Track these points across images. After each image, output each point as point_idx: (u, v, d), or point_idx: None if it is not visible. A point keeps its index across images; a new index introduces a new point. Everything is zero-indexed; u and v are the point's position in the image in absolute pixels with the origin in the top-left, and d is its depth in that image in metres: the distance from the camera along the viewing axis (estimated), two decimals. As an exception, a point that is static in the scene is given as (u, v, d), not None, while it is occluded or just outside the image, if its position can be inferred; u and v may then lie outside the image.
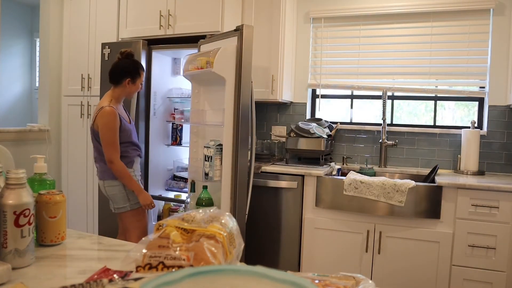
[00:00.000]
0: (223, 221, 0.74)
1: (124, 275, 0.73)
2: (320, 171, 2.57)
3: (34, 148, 3.41)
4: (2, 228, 0.82)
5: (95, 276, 0.76)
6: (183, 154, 3.25)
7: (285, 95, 3.10)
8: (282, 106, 3.36)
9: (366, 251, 2.48)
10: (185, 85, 3.05)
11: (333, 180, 2.53)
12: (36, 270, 0.84)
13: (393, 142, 2.97)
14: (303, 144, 2.79)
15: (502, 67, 2.79)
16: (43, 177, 1.05)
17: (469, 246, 2.28)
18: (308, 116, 3.33)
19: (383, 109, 2.92)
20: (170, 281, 0.46)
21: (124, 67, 2.31)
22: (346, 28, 3.17)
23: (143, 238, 0.71)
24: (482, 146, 2.82)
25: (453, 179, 2.39)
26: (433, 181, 2.49)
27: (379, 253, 2.46)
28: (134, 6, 3.07)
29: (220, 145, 2.29)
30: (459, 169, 2.78)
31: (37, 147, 3.44)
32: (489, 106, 2.84)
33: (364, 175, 2.65)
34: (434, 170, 2.70)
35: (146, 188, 2.93)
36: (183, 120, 2.71)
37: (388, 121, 3.13)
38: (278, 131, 3.33)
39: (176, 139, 3.15)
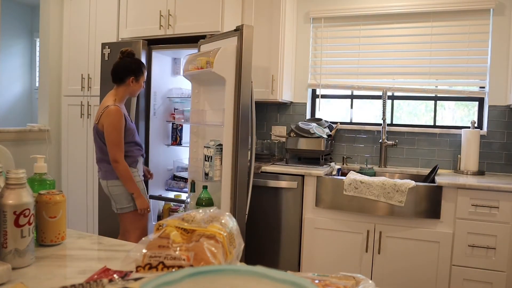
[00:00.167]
0: (223, 221, 0.74)
1: (124, 275, 0.73)
2: (320, 171, 2.57)
3: (34, 148, 3.41)
4: (2, 228, 0.82)
5: (95, 276, 0.76)
6: (183, 154, 3.25)
7: (285, 95, 3.10)
8: (282, 106, 3.36)
9: (366, 251, 2.48)
10: (185, 85, 3.05)
11: (333, 180, 2.53)
12: (36, 270, 0.84)
13: (393, 142, 2.97)
14: (303, 144, 2.79)
15: (502, 67, 2.79)
16: (43, 177, 1.05)
17: (469, 246, 2.28)
18: (308, 116, 3.33)
19: (383, 109, 2.92)
20: (170, 281, 0.46)
21: (127, 66, 2.31)
22: (346, 28, 3.17)
23: (143, 238, 0.71)
24: (482, 146, 2.82)
25: (453, 179, 2.39)
26: (433, 181, 2.49)
27: (379, 253, 2.46)
28: (134, 6, 3.07)
29: (220, 145, 2.29)
30: (459, 169, 2.78)
31: (37, 147, 3.44)
32: (489, 106, 2.84)
33: (364, 175, 2.65)
34: (434, 170, 2.70)
35: (146, 188, 2.93)
36: (183, 120, 2.71)
37: (388, 121, 3.13)
38: (278, 131, 3.33)
39: (176, 139, 3.15)
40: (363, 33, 3.13)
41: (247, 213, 2.40)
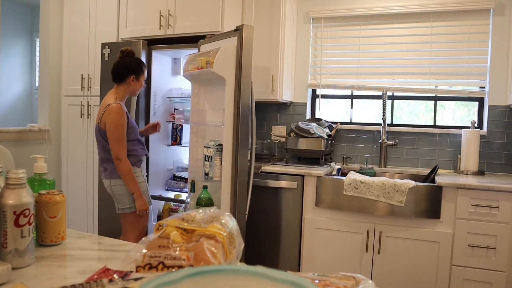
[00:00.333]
0: (223, 221, 0.74)
1: (124, 275, 0.73)
2: (320, 171, 2.57)
3: (34, 148, 3.41)
4: (2, 228, 0.82)
5: (95, 276, 0.76)
6: (183, 154, 3.25)
7: (285, 95, 3.10)
8: (282, 106, 3.36)
9: (366, 251, 2.48)
10: (185, 85, 3.05)
11: (333, 180, 2.53)
12: (36, 270, 0.84)
13: (393, 142, 2.97)
14: (303, 144, 2.79)
15: (502, 67, 2.79)
16: (43, 177, 1.05)
17: (469, 246, 2.28)
18: (308, 116, 3.33)
19: (383, 109, 2.92)
20: (170, 281, 0.46)
21: (127, 65, 2.31)
22: (346, 28, 3.17)
23: (143, 238, 0.71)
24: (482, 146, 2.82)
25: (453, 179, 2.39)
26: (433, 181, 2.49)
27: (379, 253, 2.46)
28: (134, 6, 3.07)
29: (220, 145, 2.29)
30: (459, 169, 2.78)
31: (37, 147, 3.44)
32: (489, 106, 2.84)
33: (364, 175, 2.65)
34: (434, 170, 2.70)
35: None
36: (183, 120, 2.71)
37: (388, 121, 3.13)
38: (278, 131, 3.33)
39: (176, 139, 3.15)
40: (363, 33, 3.12)
41: (247, 213, 2.40)
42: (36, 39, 4.95)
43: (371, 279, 2.25)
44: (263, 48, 2.97)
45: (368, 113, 3.27)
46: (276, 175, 2.66)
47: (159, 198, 3.01)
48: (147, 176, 2.51)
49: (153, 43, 2.95)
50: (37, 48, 4.82)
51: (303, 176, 2.60)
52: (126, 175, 2.25)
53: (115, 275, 0.74)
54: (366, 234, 2.48)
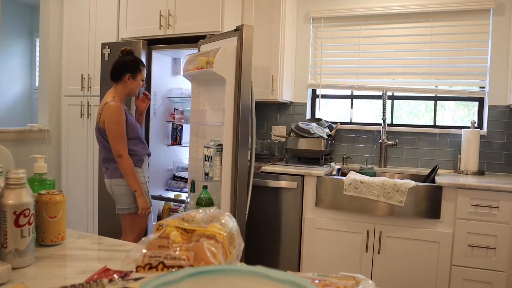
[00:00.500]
0: (223, 221, 0.74)
1: (124, 275, 0.73)
2: (320, 171, 2.57)
3: (34, 148, 3.41)
4: (2, 228, 0.82)
5: (95, 276, 0.76)
6: (183, 154, 3.25)
7: (285, 95, 3.10)
8: (282, 106, 3.36)
9: (366, 251, 2.48)
10: (185, 85, 3.05)
11: (333, 180, 2.53)
12: (36, 270, 0.84)
13: (393, 142, 2.97)
14: (303, 144, 2.79)
15: (502, 67, 2.79)
16: (43, 177, 1.05)
17: (469, 246, 2.28)
18: (308, 116, 3.33)
19: (383, 109, 2.92)
20: (170, 281, 0.46)
21: (124, 64, 2.31)
22: (346, 28, 3.17)
23: (143, 238, 0.71)
24: (482, 146, 2.82)
25: (453, 179, 2.39)
26: (433, 181, 2.49)
27: (379, 253, 2.46)
28: (134, 6, 3.07)
29: (220, 145, 2.29)
30: (459, 169, 2.78)
31: (37, 147, 3.44)
32: (489, 106, 2.84)
33: (364, 175, 2.65)
34: (434, 170, 2.70)
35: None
36: (183, 120, 2.71)
37: (388, 121, 3.13)
38: (278, 131, 3.33)
39: (176, 139, 3.15)
40: (363, 33, 3.12)
41: (247, 213, 2.40)
42: (36, 39, 4.95)
43: (371, 279, 2.25)
44: (263, 48, 2.97)
45: (368, 113, 3.27)
46: (276, 175, 2.66)
47: (159, 198, 3.01)
48: (148, 177, 2.49)
49: (153, 43, 2.95)
50: (37, 48, 4.82)
51: (303, 176, 2.60)
52: (127, 172, 2.23)
53: (115, 275, 0.74)
54: (366, 234, 2.48)
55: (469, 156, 2.71)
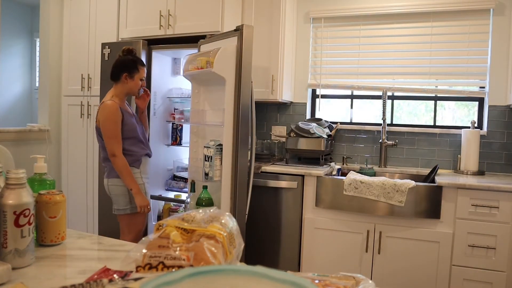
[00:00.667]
0: (223, 221, 0.74)
1: (124, 275, 0.73)
2: (320, 171, 2.57)
3: (34, 148, 3.41)
4: (2, 228, 0.82)
5: (95, 276, 0.76)
6: (183, 154, 3.25)
7: (285, 95, 3.10)
8: (282, 106, 3.36)
9: (366, 251, 2.48)
10: (185, 85, 3.05)
11: (333, 180, 2.53)
12: (36, 270, 0.84)
13: (393, 142, 2.97)
14: (303, 144, 2.79)
15: (502, 67, 2.79)
16: (43, 177, 1.05)
17: (469, 246, 2.28)
18: (308, 116, 3.33)
19: (383, 109, 2.92)
20: (170, 281, 0.46)
21: (121, 63, 2.31)
22: (346, 28, 3.17)
23: (143, 238, 0.71)
24: (482, 146, 2.82)
25: (453, 179, 2.39)
26: (433, 181, 2.49)
27: (379, 253, 2.46)
28: (134, 6, 3.07)
29: (220, 145, 2.29)
30: (459, 169, 2.78)
31: (37, 147, 3.44)
32: (489, 106, 2.84)
33: (364, 175, 2.65)
34: (434, 170, 2.70)
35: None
36: (183, 120, 2.71)
37: (388, 121, 3.13)
38: (278, 131, 3.33)
39: (176, 139, 3.15)
40: (363, 33, 3.12)
41: (247, 213, 2.40)
42: (36, 39, 4.95)
43: (371, 279, 2.25)
44: (263, 48, 2.97)
45: (368, 113, 3.27)
46: (276, 175, 2.66)
47: (159, 198, 3.01)
48: (148, 178, 2.45)
49: (153, 43, 2.95)
50: (37, 48, 4.82)
51: (303, 176, 2.60)
52: (122, 171, 2.22)
53: (115, 275, 0.74)
54: (366, 234, 2.48)
55: (469, 156, 2.71)
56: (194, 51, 2.62)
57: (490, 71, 2.82)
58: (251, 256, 2.72)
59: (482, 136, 2.81)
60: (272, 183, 2.66)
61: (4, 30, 4.55)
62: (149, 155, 2.43)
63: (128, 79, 2.30)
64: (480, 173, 2.70)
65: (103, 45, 3.01)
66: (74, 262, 0.91)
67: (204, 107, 2.55)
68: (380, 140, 3.01)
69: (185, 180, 3.03)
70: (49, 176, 1.07)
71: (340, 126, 3.17)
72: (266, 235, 2.73)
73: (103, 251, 0.99)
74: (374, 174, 2.85)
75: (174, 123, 3.14)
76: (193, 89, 2.57)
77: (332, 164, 2.89)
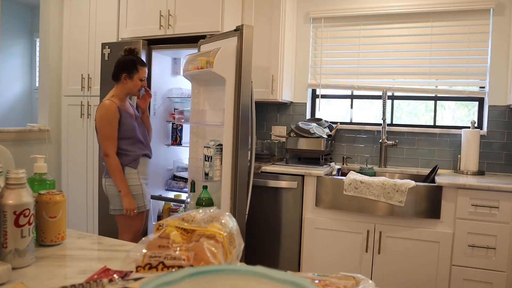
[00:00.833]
0: (223, 221, 0.74)
1: (124, 275, 0.73)
2: (320, 171, 2.57)
3: (34, 148, 3.41)
4: (2, 228, 0.82)
5: (95, 276, 0.76)
6: (183, 154, 3.25)
7: (285, 95, 3.10)
8: (282, 106, 3.36)
9: (366, 251, 2.48)
10: (185, 85, 3.05)
11: (333, 180, 2.53)
12: (36, 270, 0.84)
13: (393, 142, 2.97)
14: (303, 144, 2.79)
15: (502, 67, 2.79)
16: (43, 177, 1.05)
17: (469, 246, 2.28)
18: (308, 116, 3.33)
19: (383, 109, 2.92)
20: (170, 281, 0.46)
21: (121, 63, 2.30)
22: (346, 28, 3.17)
23: (143, 238, 0.71)
24: (482, 146, 2.82)
25: (453, 179, 2.39)
26: (433, 181, 2.49)
27: (379, 253, 2.46)
28: (134, 6, 3.07)
29: (220, 145, 2.29)
30: (459, 169, 2.78)
31: (37, 147, 3.44)
32: (489, 106, 2.84)
33: (364, 175, 2.65)
34: (434, 170, 2.70)
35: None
36: (183, 120, 2.71)
37: (388, 121, 3.13)
38: (278, 131, 3.33)
39: (176, 139, 3.15)
40: (363, 33, 3.12)
41: (247, 213, 2.40)
42: (36, 39, 4.95)
43: (371, 279, 2.25)
44: (263, 48, 2.97)
45: (368, 113, 3.27)
46: (276, 175, 2.66)
47: (159, 198, 3.01)
48: (147, 179, 2.43)
49: (153, 43, 2.94)
50: (37, 48, 4.82)
51: (303, 176, 2.60)
52: (114, 172, 2.22)
53: (115, 275, 0.74)
54: (366, 234, 2.48)
55: (469, 156, 2.71)
56: (194, 51, 2.62)
57: (490, 71, 2.82)
58: (251, 256, 2.72)
59: (482, 136, 2.81)
60: (272, 183, 2.66)
61: (4, 30, 4.55)
62: (148, 156, 2.41)
63: (127, 80, 2.29)
64: (480, 173, 2.70)
65: (103, 45, 3.01)
66: (74, 262, 0.91)
67: (204, 107, 2.55)
68: (380, 140, 3.01)
69: (185, 180, 3.03)
70: (49, 176, 1.07)
71: (340, 126, 3.17)
72: (266, 235, 2.73)
73: (103, 251, 0.99)
74: (374, 174, 2.85)
75: (174, 123, 3.14)
76: (193, 89, 2.57)
77: (332, 164, 2.89)
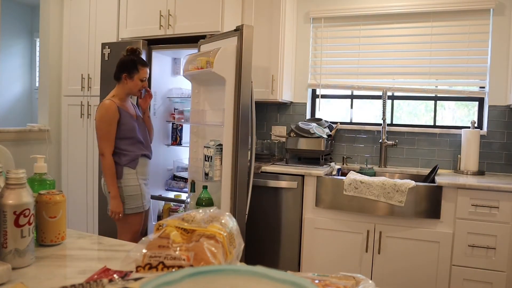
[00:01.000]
0: (223, 221, 0.74)
1: (124, 275, 0.73)
2: (320, 171, 2.57)
3: (34, 148, 3.41)
4: (2, 228, 0.82)
5: (95, 276, 0.76)
6: (183, 154, 3.25)
7: (285, 95, 3.10)
8: (282, 106, 3.36)
9: (366, 251, 2.48)
10: (185, 85, 3.05)
11: (333, 180, 2.53)
12: (36, 270, 0.84)
13: (393, 142, 2.97)
14: (303, 144, 2.79)
15: (502, 67, 2.79)
16: (43, 177, 1.05)
17: (469, 246, 2.28)
18: (308, 116, 3.33)
19: (383, 109, 2.92)
20: (170, 281, 0.46)
21: (122, 63, 2.30)
22: (346, 28, 3.17)
23: (143, 238, 0.71)
24: (482, 146, 2.82)
25: (453, 179, 2.39)
26: (433, 181, 2.49)
27: (379, 253, 2.46)
28: (134, 6, 3.07)
29: (220, 145, 2.29)
30: (459, 169, 2.78)
31: (37, 147, 3.44)
32: (489, 106, 2.84)
33: (364, 175, 2.65)
34: (434, 170, 2.70)
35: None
36: (183, 120, 2.71)
37: (388, 121, 3.13)
38: (278, 131, 3.33)
39: (176, 139, 3.15)
40: (363, 33, 3.12)
41: (247, 213, 2.40)
42: (36, 39, 4.95)
43: (371, 279, 2.25)
44: (263, 48, 2.97)
45: (368, 113, 3.27)
46: (276, 175, 2.66)
47: (159, 198, 3.01)
48: (147, 179, 2.43)
49: (153, 43, 2.94)
50: (37, 48, 4.82)
51: (303, 176, 2.60)
52: (106, 172, 2.22)
53: (115, 275, 0.74)
54: (366, 234, 2.48)
55: (469, 156, 2.71)
56: (194, 51, 2.62)
57: (490, 71, 2.82)
58: (251, 256, 2.72)
59: (482, 136, 2.81)
60: (272, 183, 2.66)
61: (4, 30, 4.56)
62: (148, 157, 2.40)
63: (127, 80, 2.29)
64: (480, 173, 2.70)
65: (103, 45, 3.01)
66: (74, 262, 0.91)
67: (204, 107, 2.55)
68: (380, 140, 3.01)
69: (185, 180, 3.03)
70: (49, 176, 1.07)
71: (340, 126, 3.17)
72: (266, 235, 2.73)
73: (103, 251, 0.99)
74: (374, 174, 2.85)
75: (174, 123, 3.14)
76: (193, 89, 2.57)
77: (332, 164, 2.89)
